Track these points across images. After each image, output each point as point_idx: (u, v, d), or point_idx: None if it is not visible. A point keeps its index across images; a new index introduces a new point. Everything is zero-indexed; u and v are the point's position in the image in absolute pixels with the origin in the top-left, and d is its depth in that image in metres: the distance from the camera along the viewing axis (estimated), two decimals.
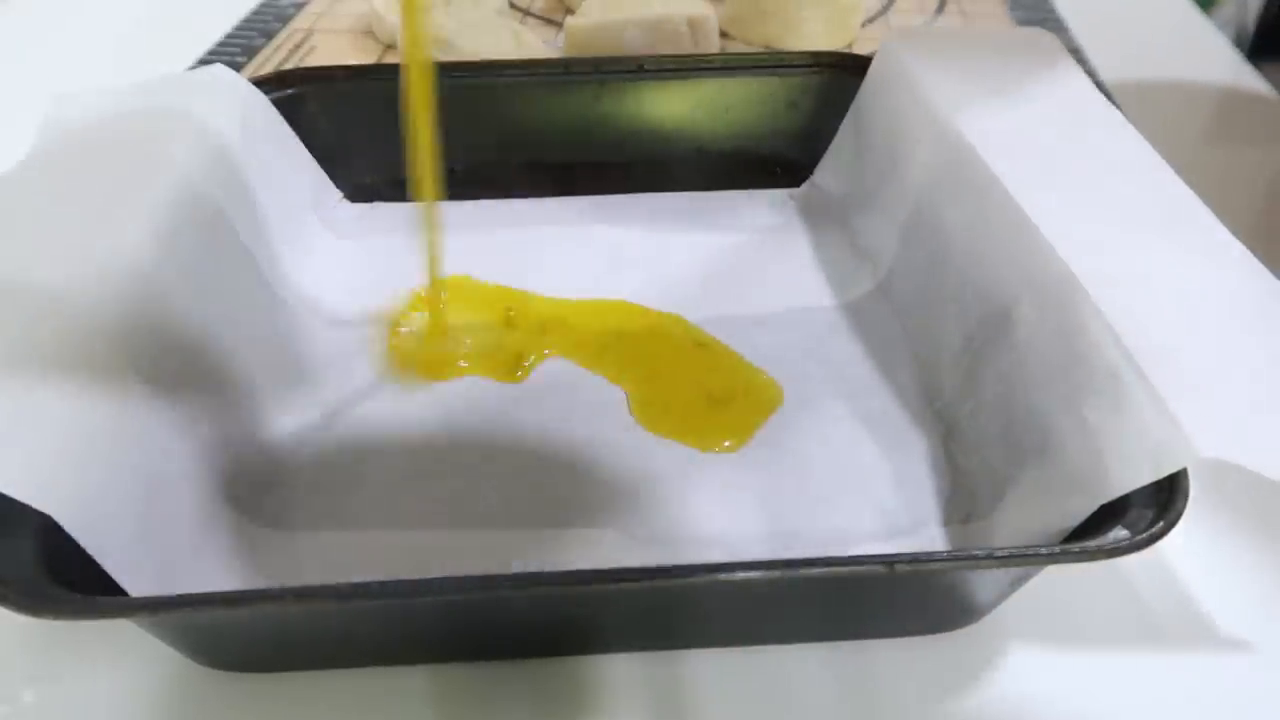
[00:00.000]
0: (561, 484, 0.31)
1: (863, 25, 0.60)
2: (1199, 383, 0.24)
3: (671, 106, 0.42)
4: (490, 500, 0.31)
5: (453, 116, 0.41)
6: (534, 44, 0.53)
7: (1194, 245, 0.29)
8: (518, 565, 0.29)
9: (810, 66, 0.42)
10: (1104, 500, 0.24)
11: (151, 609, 0.23)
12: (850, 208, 0.41)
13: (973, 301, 0.32)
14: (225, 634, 0.26)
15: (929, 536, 0.29)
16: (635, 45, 0.52)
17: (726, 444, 0.33)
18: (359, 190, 0.43)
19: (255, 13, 0.61)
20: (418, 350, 0.36)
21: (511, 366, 0.35)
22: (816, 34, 0.56)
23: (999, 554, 0.23)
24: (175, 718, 0.26)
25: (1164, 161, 0.32)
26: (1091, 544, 0.23)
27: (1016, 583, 0.26)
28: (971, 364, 0.32)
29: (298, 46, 0.57)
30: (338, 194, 0.42)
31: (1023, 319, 0.29)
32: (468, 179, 0.43)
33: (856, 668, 0.27)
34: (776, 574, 0.23)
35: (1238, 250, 0.28)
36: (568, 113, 0.42)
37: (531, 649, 0.27)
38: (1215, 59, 0.59)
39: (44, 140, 0.33)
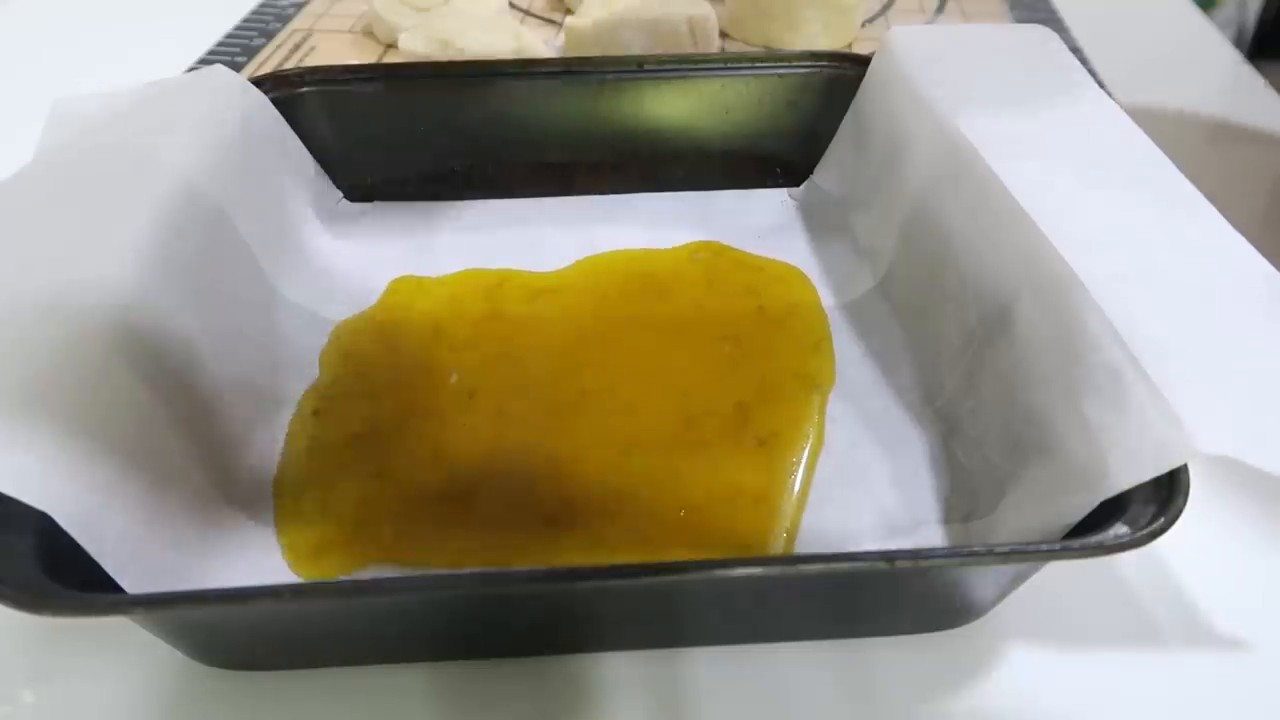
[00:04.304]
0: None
1: (863, 25, 0.60)
2: (1200, 378, 0.24)
3: (671, 106, 0.42)
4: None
5: (453, 116, 0.42)
6: (534, 44, 0.53)
7: (1195, 240, 0.29)
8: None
9: (810, 66, 0.42)
10: (1104, 497, 0.24)
11: (148, 606, 0.23)
12: (850, 207, 0.41)
13: (972, 300, 0.32)
14: (224, 632, 0.26)
15: (929, 535, 0.29)
16: (635, 45, 0.52)
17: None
18: (359, 190, 0.43)
19: (255, 13, 0.61)
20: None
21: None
22: (816, 34, 0.56)
23: (1000, 550, 0.23)
24: (175, 716, 0.26)
25: (1165, 157, 0.32)
26: (1092, 540, 0.23)
27: (1016, 580, 0.26)
28: (971, 362, 0.31)
29: (298, 46, 0.57)
30: (338, 194, 0.42)
31: (1022, 316, 0.29)
32: (468, 179, 0.43)
33: (856, 665, 0.27)
34: (776, 570, 0.23)
35: (1239, 244, 0.28)
36: (568, 113, 0.42)
37: (531, 647, 0.27)
38: (1215, 59, 0.59)
39: (46, 143, 0.33)
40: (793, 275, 0.39)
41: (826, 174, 0.43)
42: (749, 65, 0.42)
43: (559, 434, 0.32)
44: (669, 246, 0.41)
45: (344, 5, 0.62)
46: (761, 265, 0.40)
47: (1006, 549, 0.23)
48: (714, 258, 0.40)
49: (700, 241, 0.41)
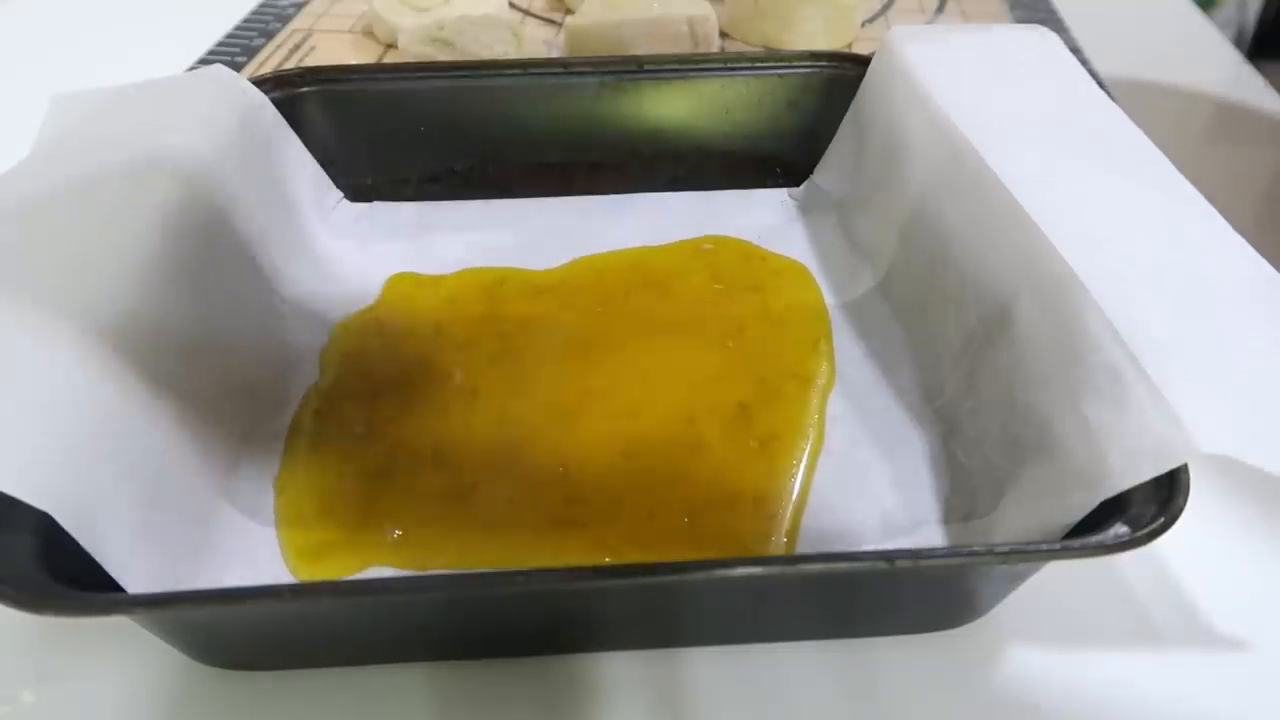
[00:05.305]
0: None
1: (863, 25, 0.60)
2: (1200, 378, 0.24)
3: (671, 106, 0.42)
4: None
5: (453, 116, 0.42)
6: (534, 44, 0.53)
7: (1194, 239, 0.29)
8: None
9: (810, 66, 0.42)
10: (1104, 497, 0.24)
11: (148, 606, 0.23)
12: (850, 207, 0.41)
13: (972, 300, 0.32)
14: (224, 632, 0.26)
15: (929, 535, 0.29)
16: (635, 45, 0.53)
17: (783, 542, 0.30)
18: (359, 190, 0.43)
19: (255, 13, 0.61)
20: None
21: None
22: (816, 33, 0.56)
23: (1000, 550, 0.23)
24: (175, 717, 0.26)
25: (1164, 157, 0.32)
26: (1092, 540, 0.23)
27: (1017, 580, 0.26)
28: (972, 363, 0.31)
29: (298, 46, 0.57)
30: (338, 194, 0.42)
31: (1022, 316, 0.29)
32: (468, 179, 0.43)
33: (856, 665, 0.27)
34: (776, 570, 0.23)
35: (1238, 244, 0.28)
36: (568, 113, 0.42)
37: (531, 647, 0.27)
38: (1215, 59, 0.59)
39: (44, 140, 0.33)
40: (796, 270, 0.40)
41: (826, 174, 0.43)
42: (749, 65, 0.42)
43: (561, 434, 0.32)
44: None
45: (344, 5, 0.62)
46: (765, 256, 0.40)
47: (1006, 549, 0.23)
48: (720, 248, 0.41)
49: (707, 234, 0.41)
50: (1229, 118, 0.55)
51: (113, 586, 0.24)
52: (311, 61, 0.56)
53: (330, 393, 0.34)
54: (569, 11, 0.60)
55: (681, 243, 0.41)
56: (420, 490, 0.31)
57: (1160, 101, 0.54)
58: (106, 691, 0.26)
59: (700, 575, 0.23)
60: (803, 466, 0.31)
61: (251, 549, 0.29)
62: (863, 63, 0.41)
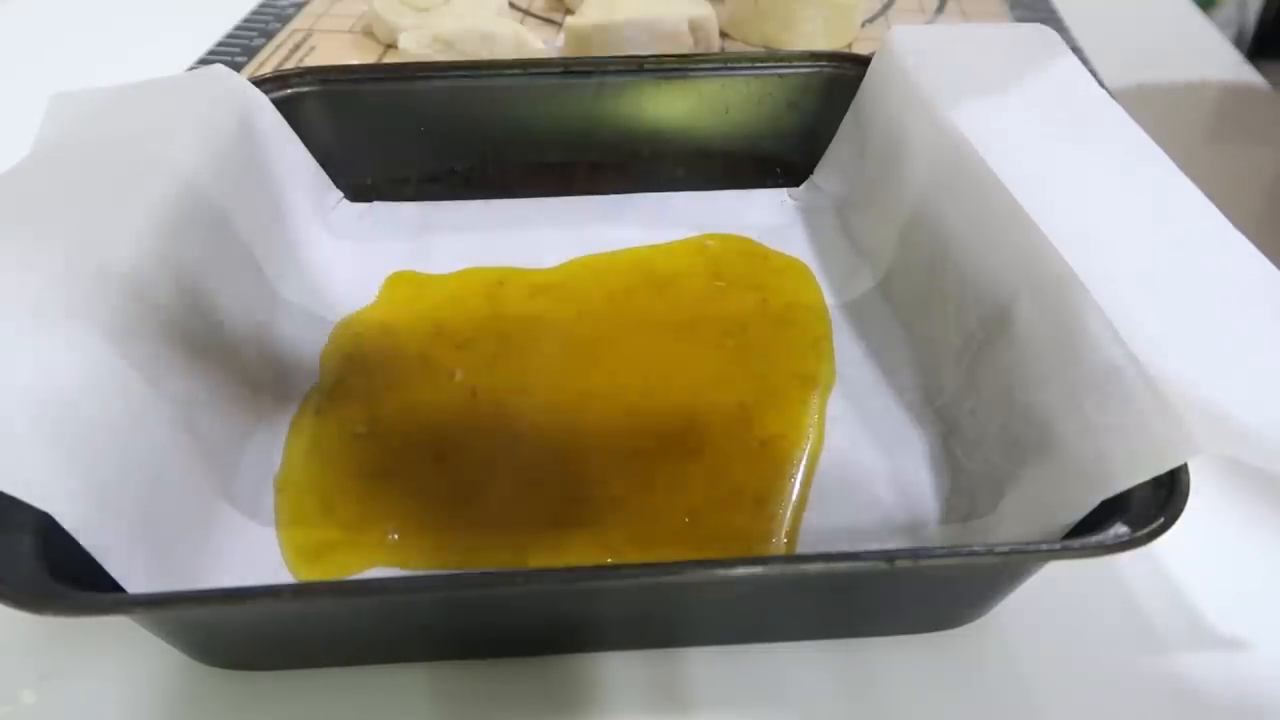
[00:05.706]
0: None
1: (863, 25, 0.60)
2: (1200, 377, 0.24)
3: (671, 106, 0.42)
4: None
5: (453, 116, 0.42)
6: (534, 44, 0.53)
7: (1194, 238, 0.29)
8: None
9: (810, 66, 0.42)
10: (1104, 496, 0.24)
11: (149, 606, 0.23)
12: (850, 207, 0.41)
13: (972, 300, 0.32)
14: (224, 632, 0.26)
15: (929, 535, 0.29)
16: (635, 45, 0.52)
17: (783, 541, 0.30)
18: (359, 190, 0.43)
19: (255, 13, 0.61)
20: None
21: None
22: (816, 34, 0.56)
23: (1000, 550, 0.23)
24: (175, 717, 0.26)
25: (1165, 155, 0.32)
26: (1092, 540, 0.23)
27: (1016, 580, 0.26)
28: (972, 362, 0.31)
29: (298, 46, 0.57)
30: (338, 194, 0.42)
31: (1021, 316, 0.29)
32: (468, 179, 0.43)
33: (856, 665, 0.27)
34: (776, 570, 0.23)
35: (1239, 243, 0.28)
36: (568, 113, 0.42)
37: (531, 647, 0.27)
38: (1215, 59, 0.59)
39: (43, 139, 0.33)
40: (797, 268, 0.40)
41: (826, 174, 0.43)
42: (749, 65, 0.42)
43: (562, 433, 0.32)
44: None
45: (344, 5, 0.62)
46: (766, 254, 0.40)
47: (1006, 549, 0.23)
48: (722, 245, 0.41)
49: (710, 232, 0.41)
50: (1229, 118, 0.55)
51: (113, 586, 0.24)
52: (311, 61, 0.56)
53: (330, 393, 0.34)
54: (569, 11, 0.60)
55: (682, 241, 0.41)
56: (420, 490, 0.31)
57: (1160, 101, 0.54)
58: (107, 691, 0.26)
59: (700, 575, 0.23)
60: (803, 466, 0.31)
61: (251, 549, 0.29)
62: (863, 63, 0.41)
